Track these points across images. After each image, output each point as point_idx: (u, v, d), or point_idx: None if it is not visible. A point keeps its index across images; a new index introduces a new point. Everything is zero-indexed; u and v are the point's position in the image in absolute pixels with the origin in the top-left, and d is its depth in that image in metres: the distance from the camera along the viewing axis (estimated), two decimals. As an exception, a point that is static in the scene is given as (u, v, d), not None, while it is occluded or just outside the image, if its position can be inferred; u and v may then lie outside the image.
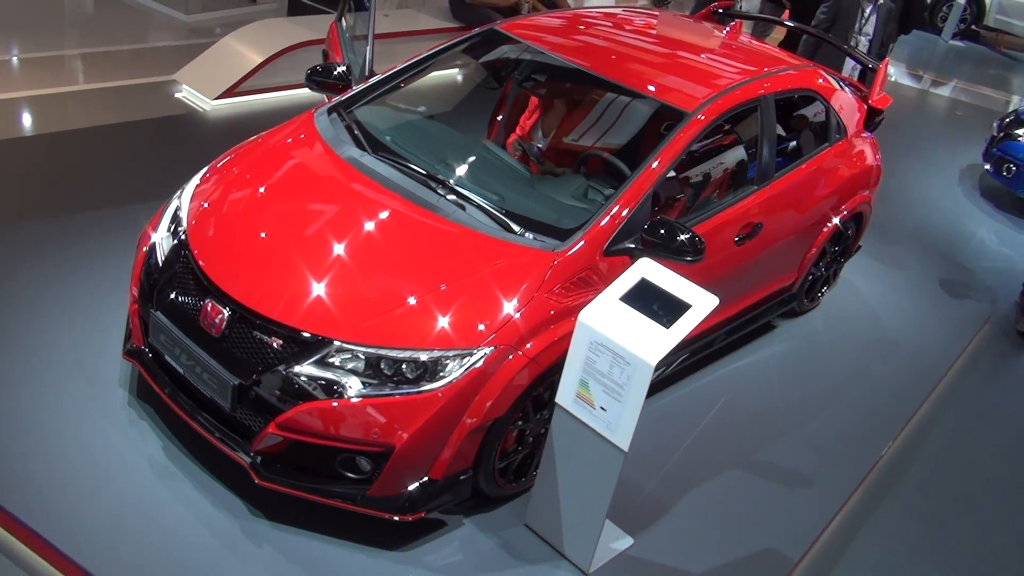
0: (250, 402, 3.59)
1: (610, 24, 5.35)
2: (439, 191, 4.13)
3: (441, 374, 3.55)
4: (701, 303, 3.51)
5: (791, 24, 7.25)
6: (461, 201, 4.10)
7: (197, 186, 4.30)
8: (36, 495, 3.62)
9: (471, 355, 3.59)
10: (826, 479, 4.66)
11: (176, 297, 3.84)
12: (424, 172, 4.25)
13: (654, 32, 5.41)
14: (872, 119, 5.95)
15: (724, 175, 4.95)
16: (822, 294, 6.17)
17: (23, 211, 5.49)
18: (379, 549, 3.72)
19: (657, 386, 4.98)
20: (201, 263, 3.84)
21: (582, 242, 3.96)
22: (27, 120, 6.86)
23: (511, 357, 3.64)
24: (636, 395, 3.43)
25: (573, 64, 4.72)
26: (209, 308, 3.71)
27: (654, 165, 4.23)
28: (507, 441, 3.91)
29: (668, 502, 4.30)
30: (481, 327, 3.63)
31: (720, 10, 6.51)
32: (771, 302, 5.54)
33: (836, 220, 5.60)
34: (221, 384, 3.60)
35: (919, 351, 6.00)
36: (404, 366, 3.54)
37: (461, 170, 4.39)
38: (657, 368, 3.36)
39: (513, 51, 5.01)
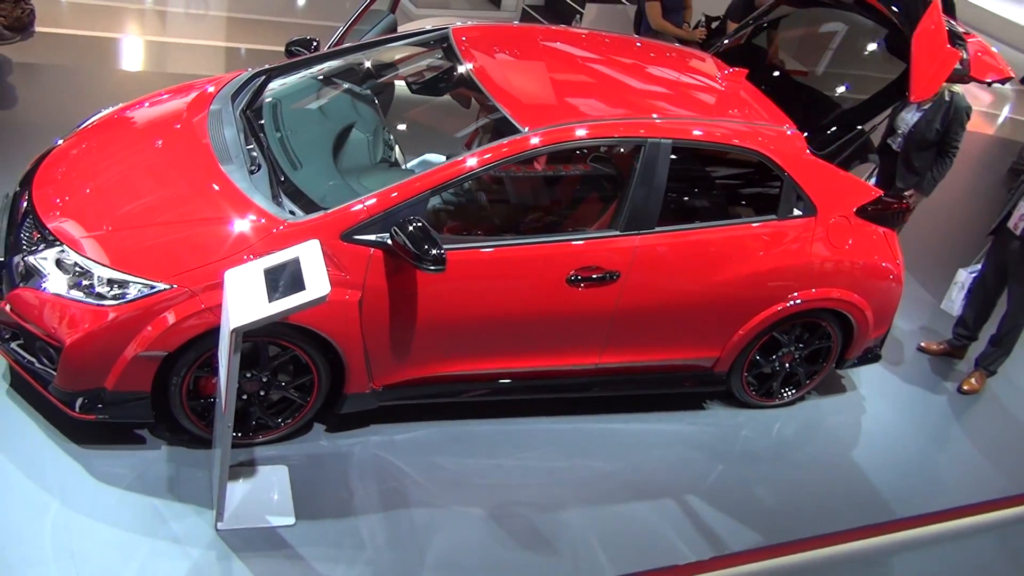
0: (6, 279, 4.21)
1: (572, 43, 5.18)
2: (250, 151, 4.41)
3: (123, 296, 3.88)
4: (312, 292, 3.46)
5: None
6: (260, 162, 4.35)
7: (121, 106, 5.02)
8: None
9: (151, 287, 3.87)
10: (573, 562, 4.17)
11: (20, 187, 4.57)
12: (254, 132, 4.54)
13: (614, 58, 5.13)
14: (887, 212, 5.04)
15: (564, 208, 4.60)
16: (784, 395, 5.34)
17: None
18: (64, 437, 4.14)
19: (497, 411, 4.80)
20: (38, 163, 4.55)
21: (316, 221, 4.03)
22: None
23: (186, 300, 3.86)
24: (227, 359, 3.49)
25: (467, 69, 4.71)
26: (23, 197, 4.39)
27: (434, 170, 4.15)
28: (206, 385, 4.11)
29: (368, 509, 4.18)
30: (171, 266, 3.90)
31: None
32: (668, 373, 4.98)
33: (777, 308, 4.86)
34: (-3, 260, 4.27)
35: (834, 501, 4.87)
36: (97, 279, 3.92)
37: (294, 140, 4.60)
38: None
39: (441, 49, 5.07)
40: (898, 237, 6.17)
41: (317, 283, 3.48)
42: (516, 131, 4.28)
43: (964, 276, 6.13)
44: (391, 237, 4.02)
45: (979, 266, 6.02)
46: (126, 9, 9.01)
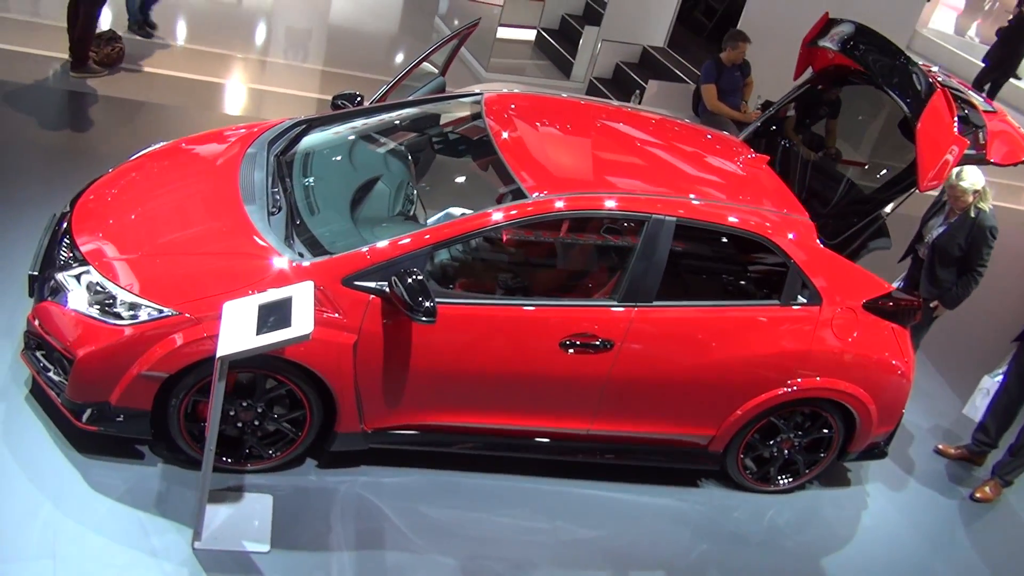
0: (37, 292, 4.53)
1: (596, 117, 5.35)
2: (275, 194, 4.68)
3: (135, 317, 4.15)
4: (296, 331, 3.66)
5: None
6: (282, 204, 4.61)
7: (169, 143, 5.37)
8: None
9: (160, 311, 4.13)
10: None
11: (69, 208, 4.93)
12: (281, 177, 4.81)
13: (633, 136, 5.29)
14: (896, 308, 5.03)
15: (564, 274, 4.73)
16: (781, 482, 5.30)
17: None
18: (68, 445, 4.39)
19: (488, 466, 4.90)
20: (87, 188, 4.90)
21: (318, 265, 4.25)
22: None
23: (190, 326, 4.10)
24: (213, 386, 3.70)
25: (490, 135, 4.92)
26: (65, 217, 4.74)
27: (436, 227, 4.35)
28: (204, 410, 4.32)
29: (343, 546, 4.30)
30: (181, 294, 4.16)
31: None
32: (660, 446, 5.01)
33: (775, 393, 4.87)
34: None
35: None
36: (117, 300, 4.20)
37: (317, 187, 4.85)
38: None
39: (472, 114, 5.30)
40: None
41: (302, 322, 3.68)
42: (524, 197, 4.46)
43: (988, 383, 6.05)
44: (389, 286, 4.21)
45: (1003, 373, 5.93)
46: (220, 55, 9.53)
